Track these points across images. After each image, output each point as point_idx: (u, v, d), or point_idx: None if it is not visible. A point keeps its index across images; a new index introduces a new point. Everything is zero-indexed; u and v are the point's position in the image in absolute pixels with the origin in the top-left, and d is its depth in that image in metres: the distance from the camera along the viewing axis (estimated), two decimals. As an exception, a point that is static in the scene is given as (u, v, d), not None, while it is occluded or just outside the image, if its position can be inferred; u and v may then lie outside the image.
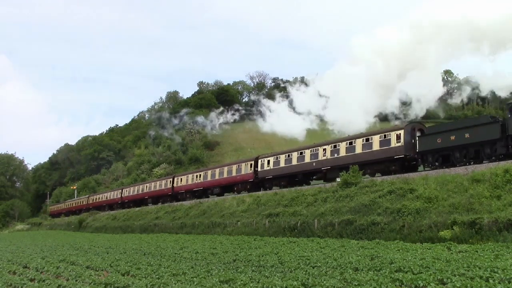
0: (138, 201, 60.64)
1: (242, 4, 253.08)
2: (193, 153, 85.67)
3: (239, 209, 34.12)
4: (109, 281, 13.98)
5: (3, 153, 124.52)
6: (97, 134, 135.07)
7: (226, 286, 12.19)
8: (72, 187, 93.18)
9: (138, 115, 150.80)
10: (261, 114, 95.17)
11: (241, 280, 12.49)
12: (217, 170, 46.31)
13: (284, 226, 27.32)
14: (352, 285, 11.17)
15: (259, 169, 40.84)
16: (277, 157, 39.11)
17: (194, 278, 13.56)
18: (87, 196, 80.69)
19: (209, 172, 47.85)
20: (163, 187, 55.51)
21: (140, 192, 60.89)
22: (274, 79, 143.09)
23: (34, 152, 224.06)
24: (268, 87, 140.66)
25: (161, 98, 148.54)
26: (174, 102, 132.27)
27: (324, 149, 34.47)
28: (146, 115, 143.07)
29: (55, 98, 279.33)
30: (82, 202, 78.90)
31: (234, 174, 43.71)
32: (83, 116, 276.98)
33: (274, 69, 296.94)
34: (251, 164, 41.88)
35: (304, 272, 13.47)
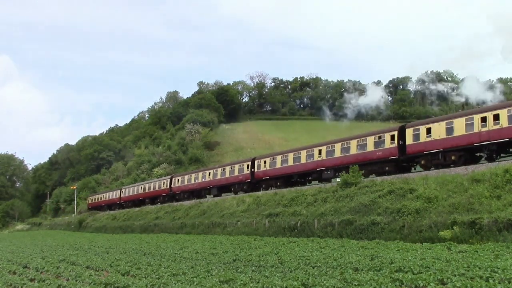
0: (275, 178, 39.72)
1: (242, 5, 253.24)
2: (193, 153, 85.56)
3: (239, 209, 34.12)
4: (109, 281, 13.97)
5: (3, 153, 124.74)
6: (97, 134, 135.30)
7: (226, 286, 12.19)
8: (72, 187, 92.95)
9: (138, 115, 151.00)
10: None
11: (241, 280, 12.49)
12: None
13: (284, 226, 27.32)
14: (352, 285, 11.16)
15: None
16: None
17: (194, 278, 13.56)
18: (168, 176, 57.75)
19: None
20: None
21: (285, 165, 39.17)
22: (274, 79, 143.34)
23: (34, 152, 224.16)
24: (268, 87, 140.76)
25: (161, 98, 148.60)
26: (174, 102, 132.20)
27: None
28: (146, 115, 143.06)
29: (56, 98, 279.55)
30: (160, 187, 55.89)
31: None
32: (84, 116, 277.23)
33: (274, 69, 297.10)
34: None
35: (304, 272, 13.47)
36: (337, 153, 33.40)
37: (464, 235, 18.18)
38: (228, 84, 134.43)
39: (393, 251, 16.96)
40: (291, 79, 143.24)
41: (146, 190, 58.25)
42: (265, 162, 39.88)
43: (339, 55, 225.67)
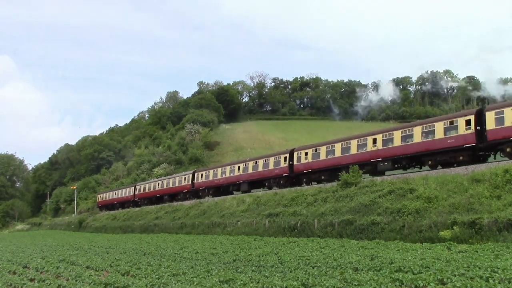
0: (319, 171, 35.56)
1: (243, 5, 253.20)
2: (193, 153, 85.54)
3: (239, 209, 34.10)
4: (109, 281, 13.97)
5: (3, 153, 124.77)
6: (97, 134, 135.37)
7: (226, 286, 12.18)
8: (72, 187, 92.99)
9: (138, 115, 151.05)
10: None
11: (241, 280, 12.48)
12: None
13: (284, 226, 27.31)
14: (352, 285, 11.16)
15: None
16: None
17: (194, 278, 13.56)
18: (190, 171, 53.76)
19: None
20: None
21: (331, 157, 34.33)
22: (274, 79, 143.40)
23: (34, 152, 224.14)
24: (268, 87, 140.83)
25: (161, 98, 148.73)
26: (174, 102, 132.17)
27: None
28: (146, 115, 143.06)
29: (56, 98, 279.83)
30: (181, 182, 52.07)
31: None
32: (84, 116, 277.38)
33: (274, 69, 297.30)
34: None
35: (304, 272, 13.47)
36: (397, 142, 29.57)
37: (464, 235, 18.17)
38: (228, 84, 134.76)
39: (393, 251, 16.95)
40: (291, 79, 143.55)
41: (165, 187, 55.01)
42: (306, 153, 35.95)
43: (339, 55, 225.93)
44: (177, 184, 52.71)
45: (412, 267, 12.65)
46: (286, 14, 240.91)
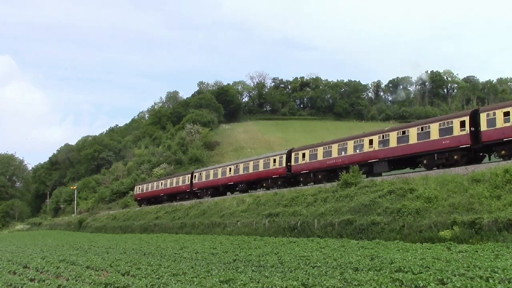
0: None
1: (244, 5, 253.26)
2: (193, 153, 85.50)
3: (239, 209, 34.10)
4: (109, 281, 13.97)
5: (3, 153, 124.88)
6: (97, 134, 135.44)
7: (226, 286, 12.18)
8: (72, 187, 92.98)
9: (138, 115, 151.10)
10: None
11: (241, 280, 12.49)
12: None
13: (284, 226, 27.32)
14: (352, 285, 11.16)
15: None
16: None
17: (194, 278, 13.56)
18: (284, 151, 40.75)
19: None
20: None
21: None
22: (274, 79, 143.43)
23: (34, 152, 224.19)
24: (268, 87, 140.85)
25: (161, 98, 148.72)
26: (174, 102, 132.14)
27: None
28: (146, 115, 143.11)
29: (56, 98, 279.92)
30: (269, 166, 40.17)
31: None
32: (84, 116, 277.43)
33: (274, 69, 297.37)
34: None
35: (304, 272, 13.47)
36: None
37: (464, 235, 18.17)
38: (228, 84, 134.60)
39: (393, 251, 16.94)
40: (291, 79, 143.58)
41: (241, 172, 43.16)
42: (507, 114, 23.93)
43: (339, 55, 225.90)
44: (261, 169, 40.75)
45: (412, 267, 12.65)
46: (286, 14, 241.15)
